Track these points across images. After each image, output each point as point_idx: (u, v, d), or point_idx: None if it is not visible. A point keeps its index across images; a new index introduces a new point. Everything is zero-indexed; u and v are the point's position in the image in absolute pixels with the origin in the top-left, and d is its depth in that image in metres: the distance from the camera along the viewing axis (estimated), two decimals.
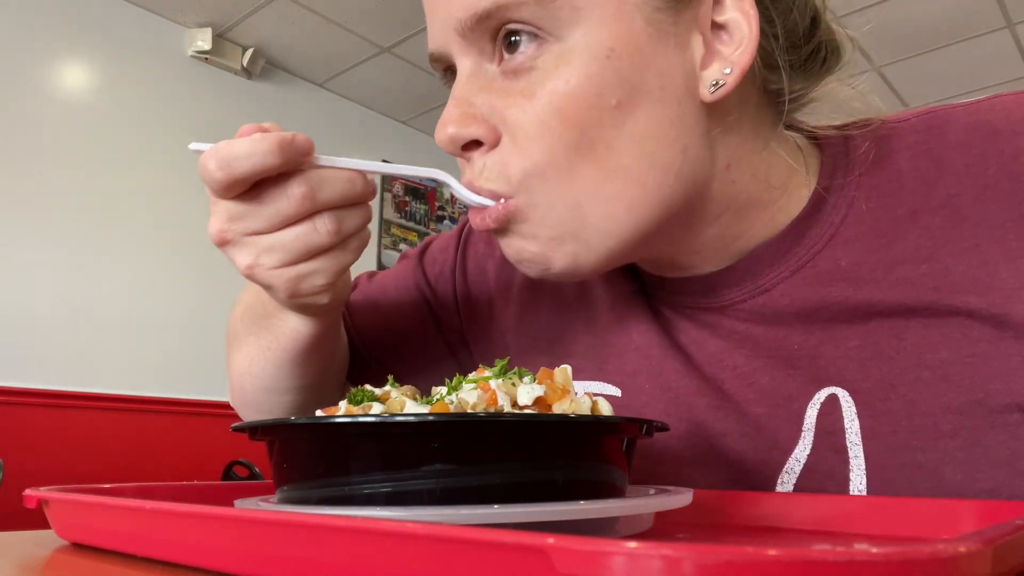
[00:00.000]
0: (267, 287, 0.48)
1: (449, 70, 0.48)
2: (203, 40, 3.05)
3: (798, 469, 0.46)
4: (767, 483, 0.47)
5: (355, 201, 0.46)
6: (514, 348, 0.62)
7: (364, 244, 0.48)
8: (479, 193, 0.45)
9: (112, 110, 2.86)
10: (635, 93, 0.42)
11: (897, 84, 3.53)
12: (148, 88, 2.97)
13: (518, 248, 0.46)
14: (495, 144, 0.44)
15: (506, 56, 0.43)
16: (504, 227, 0.46)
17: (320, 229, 0.45)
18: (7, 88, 2.60)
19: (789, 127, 0.50)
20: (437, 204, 4.14)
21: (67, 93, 2.75)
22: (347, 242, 0.47)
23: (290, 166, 0.43)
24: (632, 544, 0.18)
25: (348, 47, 3.25)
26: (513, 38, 0.42)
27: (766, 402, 0.48)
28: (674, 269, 0.52)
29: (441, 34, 0.45)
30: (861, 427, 0.44)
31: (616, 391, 0.55)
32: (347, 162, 0.45)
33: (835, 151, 0.49)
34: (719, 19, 0.43)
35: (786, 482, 0.46)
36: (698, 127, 0.44)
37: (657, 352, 0.53)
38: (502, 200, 0.44)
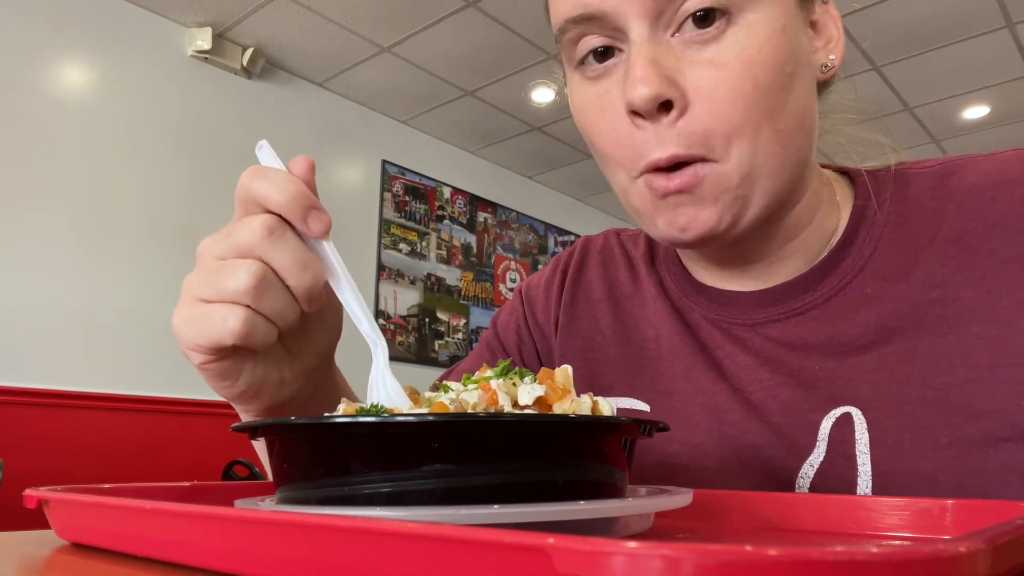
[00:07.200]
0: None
1: (580, 37, 0.49)
2: (203, 40, 3.05)
3: (812, 473, 0.50)
4: (787, 485, 0.51)
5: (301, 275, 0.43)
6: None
7: (287, 313, 0.44)
8: (680, 158, 0.47)
9: (112, 110, 2.86)
10: (798, 65, 0.48)
11: (897, 84, 3.53)
12: (148, 88, 2.97)
13: (693, 215, 0.48)
14: (685, 110, 0.46)
15: (691, 29, 0.46)
16: (690, 190, 0.48)
17: (248, 270, 0.43)
18: (7, 88, 2.60)
19: (824, 166, 0.57)
20: (437, 204, 4.14)
21: (67, 93, 2.75)
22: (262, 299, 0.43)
23: (295, 218, 0.42)
24: (632, 544, 0.18)
25: (348, 47, 3.26)
26: (699, 12, 0.46)
27: (786, 413, 0.52)
28: (740, 262, 0.56)
29: None
30: (870, 439, 0.48)
31: (645, 407, 0.59)
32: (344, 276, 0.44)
33: (864, 191, 0.55)
34: (813, 18, 0.51)
35: (803, 484, 0.50)
36: (815, 102, 0.51)
37: (694, 368, 0.57)
38: (699, 163, 0.47)
